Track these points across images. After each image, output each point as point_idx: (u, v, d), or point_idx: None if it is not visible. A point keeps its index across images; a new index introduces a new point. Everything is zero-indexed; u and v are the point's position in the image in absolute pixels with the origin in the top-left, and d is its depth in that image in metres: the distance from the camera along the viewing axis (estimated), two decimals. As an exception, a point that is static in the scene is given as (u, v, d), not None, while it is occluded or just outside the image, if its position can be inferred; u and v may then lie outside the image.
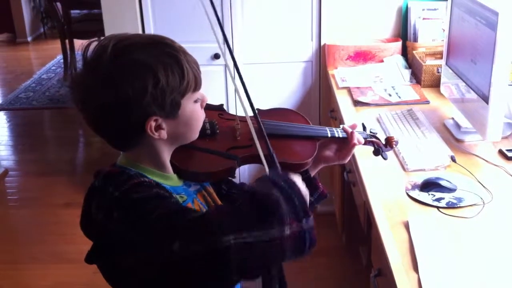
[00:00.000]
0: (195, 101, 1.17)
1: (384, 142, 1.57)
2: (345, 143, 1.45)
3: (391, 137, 1.58)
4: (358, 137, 1.45)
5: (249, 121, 1.24)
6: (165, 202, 1.07)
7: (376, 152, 1.54)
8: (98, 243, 1.12)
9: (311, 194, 1.43)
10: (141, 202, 1.05)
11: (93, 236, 1.13)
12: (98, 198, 1.11)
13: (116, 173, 1.13)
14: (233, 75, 1.35)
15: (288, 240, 0.98)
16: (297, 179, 1.16)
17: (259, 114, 1.40)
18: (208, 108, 1.27)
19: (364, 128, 1.56)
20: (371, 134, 1.56)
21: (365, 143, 1.53)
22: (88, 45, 1.11)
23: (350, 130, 1.44)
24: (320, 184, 1.48)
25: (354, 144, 1.44)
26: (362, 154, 1.80)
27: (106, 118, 1.11)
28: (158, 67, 1.07)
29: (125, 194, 1.07)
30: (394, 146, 1.58)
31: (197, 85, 1.15)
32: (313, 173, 1.47)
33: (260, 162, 1.19)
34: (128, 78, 1.06)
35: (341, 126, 1.47)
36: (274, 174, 1.10)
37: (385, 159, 1.54)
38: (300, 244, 1.00)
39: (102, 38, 1.11)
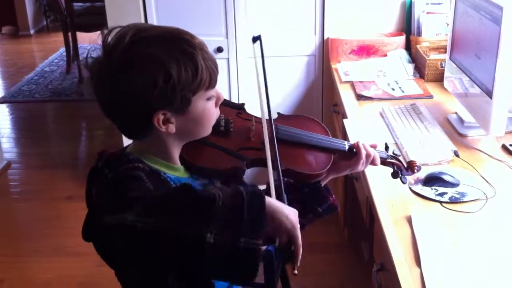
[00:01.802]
0: (208, 99, 1.17)
1: (405, 165, 1.51)
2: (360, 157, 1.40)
3: (413, 161, 1.52)
4: (375, 156, 1.41)
5: (264, 124, 1.22)
6: (139, 183, 1.07)
7: (395, 174, 1.49)
8: (92, 220, 1.14)
9: (319, 205, 1.40)
10: (122, 181, 1.07)
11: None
12: (97, 179, 1.13)
13: (116, 156, 1.15)
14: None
15: (212, 248, 0.91)
16: (276, 202, 1.05)
17: (279, 118, 1.38)
18: (228, 105, 1.26)
19: (387, 148, 1.52)
20: (393, 155, 1.51)
21: (385, 164, 1.49)
22: (109, 31, 1.11)
23: (358, 143, 1.40)
24: (332, 196, 1.42)
25: (361, 158, 1.39)
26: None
27: (115, 108, 1.13)
28: (171, 63, 1.07)
29: (116, 176, 1.09)
30: (415, 171, 1.52)
31: (211, 83, 1.15)
32: (323, 183, 1.43)
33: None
34: (138, 71, 1.07)
35: (359, 142, 1.42)
36: (249, 186, 1.03)
37: (404, 183, 1.50)
38: (231, 260, 0.93)
39: (124, 26, 1.11)
